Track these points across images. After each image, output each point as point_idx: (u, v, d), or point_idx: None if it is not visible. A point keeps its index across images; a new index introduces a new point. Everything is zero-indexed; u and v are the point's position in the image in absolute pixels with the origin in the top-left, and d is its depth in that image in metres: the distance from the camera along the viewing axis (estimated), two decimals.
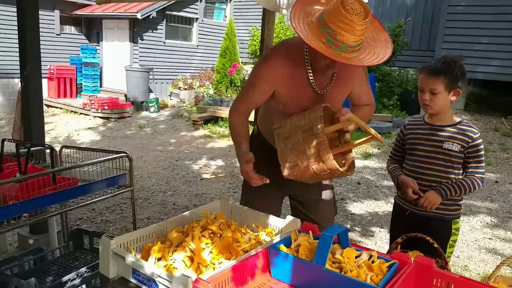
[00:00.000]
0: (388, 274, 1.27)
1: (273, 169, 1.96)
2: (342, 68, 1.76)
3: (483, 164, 2.03)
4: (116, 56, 11.70)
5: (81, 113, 10.30)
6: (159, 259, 1.34)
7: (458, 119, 2.05)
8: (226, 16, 13.39)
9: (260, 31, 11.31)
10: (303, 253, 1.38)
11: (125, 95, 10.95)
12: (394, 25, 9.16)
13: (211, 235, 1.44)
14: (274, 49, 1.90)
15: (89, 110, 10.07)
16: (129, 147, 7.45)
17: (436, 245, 1.82)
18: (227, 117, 8.33)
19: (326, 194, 2.09)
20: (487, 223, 4.14)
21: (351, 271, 1.28)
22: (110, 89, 11.69)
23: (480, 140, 2.00)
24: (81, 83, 11.59)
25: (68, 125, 9.57)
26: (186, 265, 1.29)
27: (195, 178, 5.58)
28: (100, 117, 9.89)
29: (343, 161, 1.79)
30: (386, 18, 9.74)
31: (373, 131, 1.63)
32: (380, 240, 3.69)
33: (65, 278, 2.05)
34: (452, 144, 1.99)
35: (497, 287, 1.46)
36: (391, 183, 5.40)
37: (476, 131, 2.01)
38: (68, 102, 10.81)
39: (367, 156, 6.65)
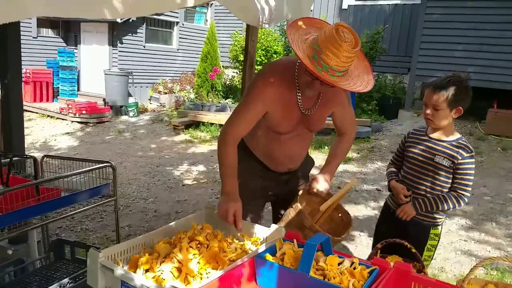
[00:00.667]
0: (369, 279, 1.33)
1: (255, 177, 2.03)
2: (326, 93, 1.85)
3: (470, 183, 2.06)
4: (94, 60, 11.53)
5: (58, 118, 10.08)
6: (147, 271, 1.35)
7: (457, 136, 2.12)
8: (207, 20, 13.39)
9: (241, 36, 11.23)
10: (288, 261, 1.42)
11: (104, 99, 10.79)
12: (372, 31, 9.35)
13: (198, 245, 1.46)
14: (270, 71, 1.89)
15: (66, 115, 9.87)
16: (108, 152, 7.36)
17: (414, 250, 1.90)
18: (208, 122, 8.19)
19: None
20: (462, 225, 4.28)
21: (334, 278, 1.34)
22: (88, 93, 11.51)
23: (471, 160, 2.04)
24: (58, 87, 11.36)
25: (44, 130, 9.36)
26: (174, 275, 1.32)
27: (176, 184, 5.56)
28: (78, 122, 9.71)
29: (339, 214, 2.02)
30: (365, 25, 9.93)
31: (348, 187, 1.96)
32: (360, 244, 3.76)
33: None
34: (443, 159, 2.06)
35: None
36: (371, 187, 5.54)
37: (469, 151, 2.05)
38: (45, 106, 10.56)
39: (346, 160, 6.75)
